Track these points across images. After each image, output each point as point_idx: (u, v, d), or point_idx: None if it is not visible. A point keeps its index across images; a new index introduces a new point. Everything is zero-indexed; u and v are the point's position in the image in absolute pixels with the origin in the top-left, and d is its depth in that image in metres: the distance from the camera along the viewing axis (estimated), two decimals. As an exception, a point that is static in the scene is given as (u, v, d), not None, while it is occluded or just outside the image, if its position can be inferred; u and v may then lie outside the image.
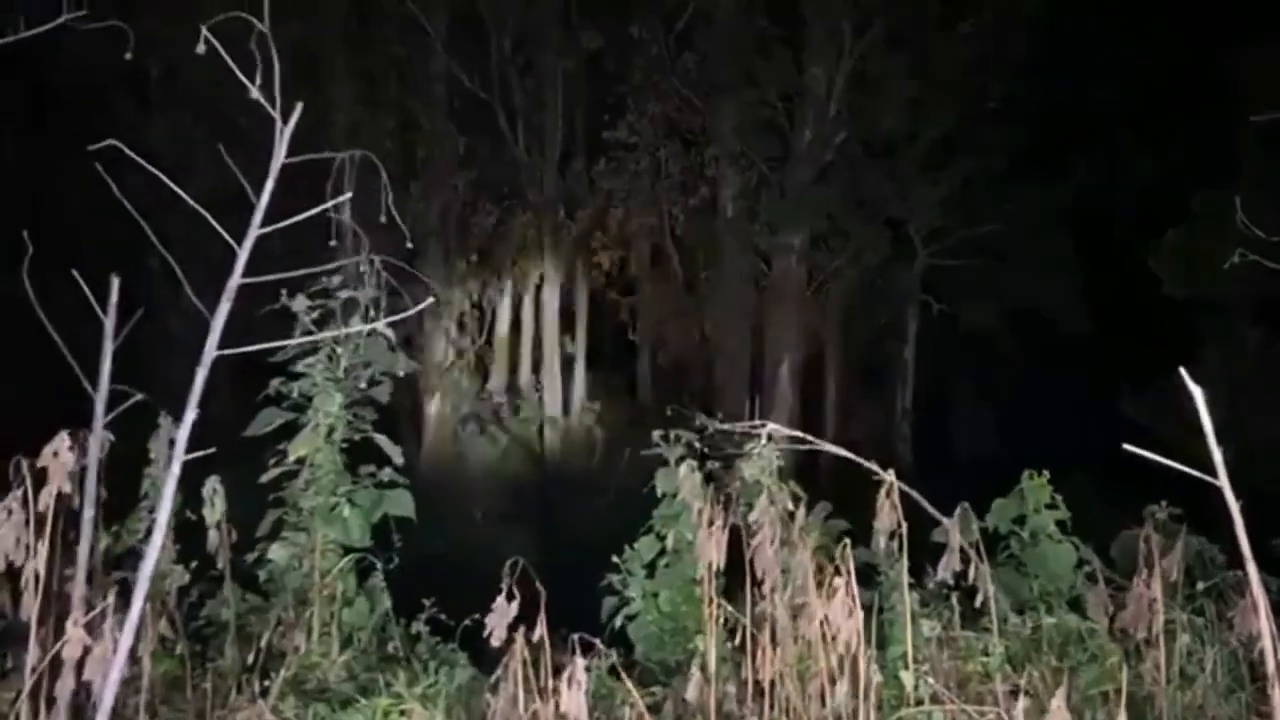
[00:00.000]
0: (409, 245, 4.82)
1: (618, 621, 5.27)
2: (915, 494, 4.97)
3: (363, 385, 4.60)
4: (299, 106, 3.40)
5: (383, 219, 4.20)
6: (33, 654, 3.13)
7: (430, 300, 3.89)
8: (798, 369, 19.19)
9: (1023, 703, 4.13)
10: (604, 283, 21.35)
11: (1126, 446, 3.80)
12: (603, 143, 19.88)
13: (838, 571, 3.79)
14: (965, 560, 4.68)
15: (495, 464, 17.17)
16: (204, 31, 3.17)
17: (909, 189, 18.86)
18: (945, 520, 4.95)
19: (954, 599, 4.80)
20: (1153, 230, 17.11)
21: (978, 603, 4.59)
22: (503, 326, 21.01)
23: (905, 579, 4.35)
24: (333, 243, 4.89)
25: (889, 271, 20.28)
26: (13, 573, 3.40)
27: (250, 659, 4.33)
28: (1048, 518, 5.49)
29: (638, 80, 19.41)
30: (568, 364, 20.75)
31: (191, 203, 3.50)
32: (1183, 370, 3.58)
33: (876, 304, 20.93)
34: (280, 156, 3.25)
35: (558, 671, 3.38)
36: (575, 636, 3.48)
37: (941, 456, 18.97)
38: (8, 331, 5.13)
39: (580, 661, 3.20)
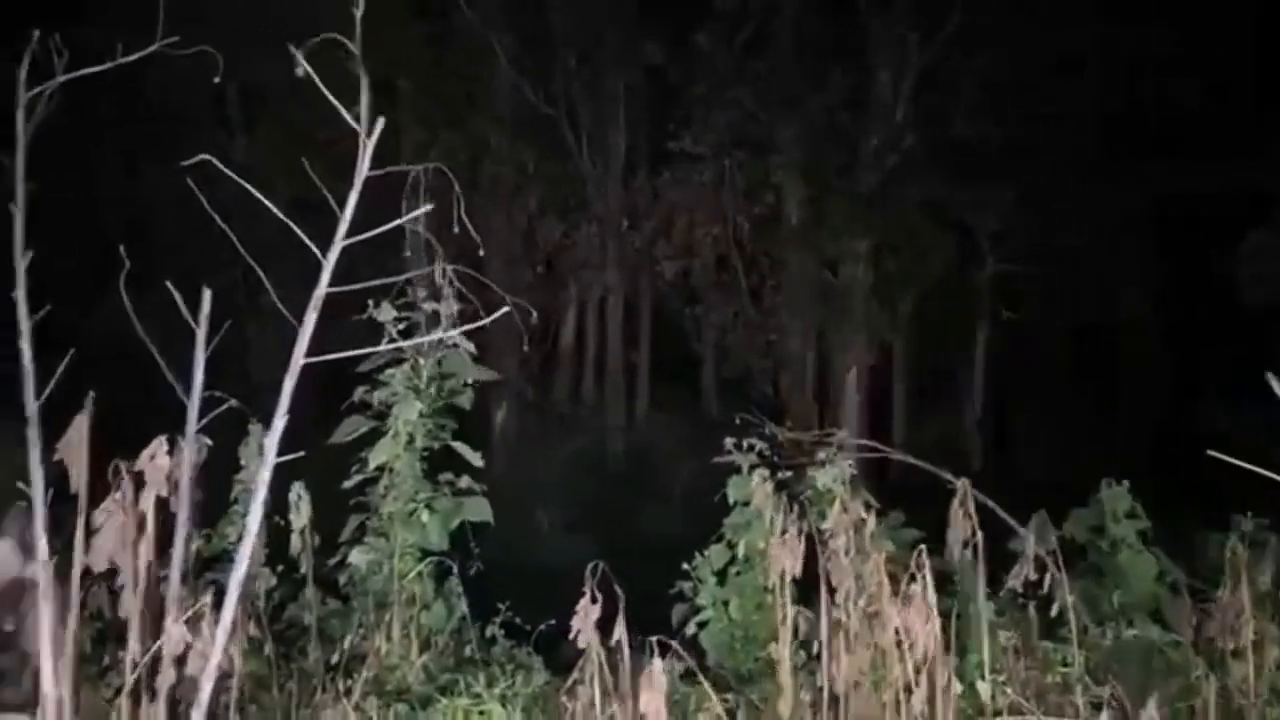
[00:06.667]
0: (480, 254, 4.91)
1: (689, 629, 5.29)
2: (990, 502, 4.92)
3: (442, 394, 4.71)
4: (381, 121, 3.50)
5: (455, 229, 4.30)
6: (133, 650, 3.26)
7: (506, 309, 3.97)
8: (865, 378, 19.00)
9: (1105, 715, 4.07)
10: (668, 293, 21.38)
11: (1211, 453, 3.72)
12: (667, 153, 19.96)
13: (912, 578, 3.77)
14: (1042, 569, 4.62)
15: (561, 473, 17.28)
16: (299, 56, 3.29)
17: (977, 194, 18.59)
18: (1021, 529, 4.90)
19: (1031, 609, 4.74)
20: (1229, 234, 16.64)
21: (1054, 612, 4.53)
22: (567, 337, 21.16)
23: (982, 587, 4.31)
24: (407, 254, 5.01)
25: (957, 278, 20.00)
26: (109, 573, 3.54)
27: (333, 660, 4.44)
28: (1128, 527, 5.39)
29: (701, 91, 19.45)
30: (631, 374, 20.82)
31: (278, 213, 3.63)
32: (1270, 376, 3.50)
33: (945, 311, 20.65)
34: (364, 169, 3.36)
35: (634, 675, 3.42)
36: (653, 639, 3.51)
37: (1014, 466, 18.62)
38: (106, 342, 5.33)
39: (659, 663, 3.23)
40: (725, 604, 5.25)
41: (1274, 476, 3.53)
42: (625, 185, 20.28)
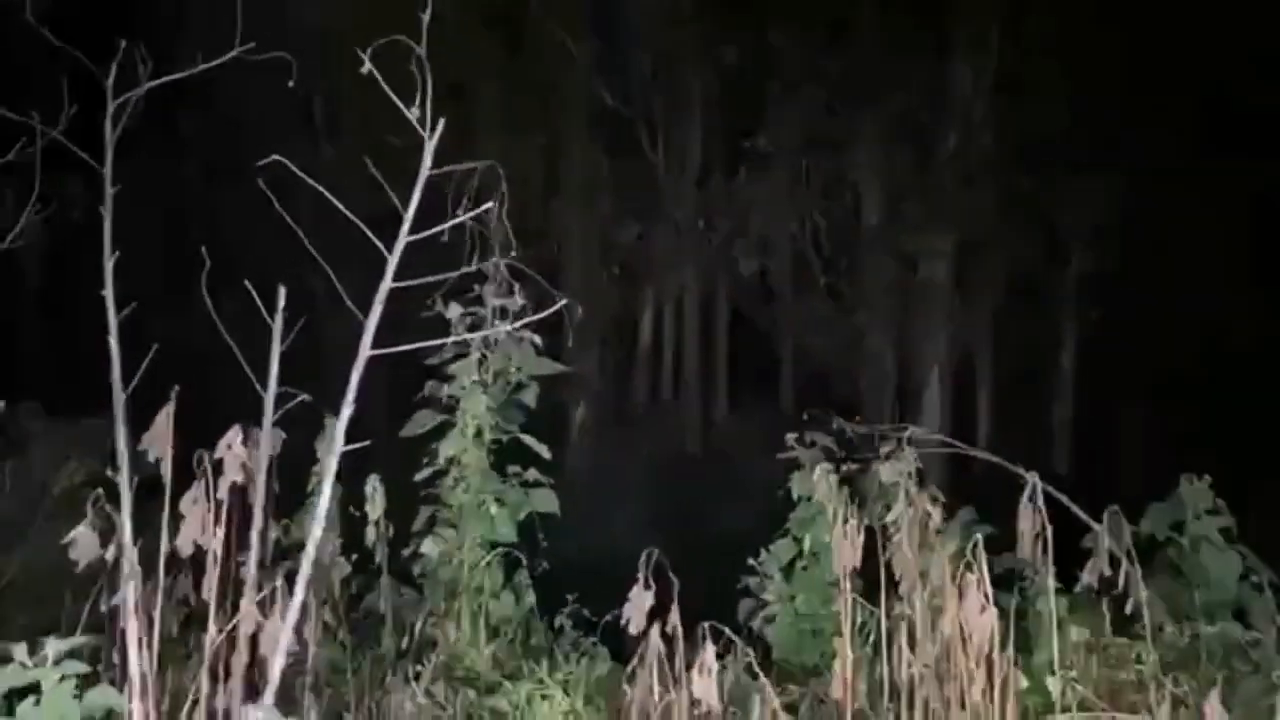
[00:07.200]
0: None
1: (755, 623, 5.31)
2: (1063, 498, 4.83)
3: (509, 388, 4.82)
4: (441, 122, 3.60)
5: (501, 226, 4.37)
6: (212, 629, 3.42)
7: (564, 302, 4.05)
8: (947, 377, 18.67)
9: (1180, 714, 3.97)
10: (745, 292, 21.32)
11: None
12: (742, 152, 19.91)
13: (969, 568, 3.74)
14: (1116, 565, 4.52)
15: (638, 471, 17.38)
16: (365, 56, 3.41)
17: (1061, 190, 18.12)
18: (1095, 525, 4.80)
19: (1104, 605, 4.64)
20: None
21: (1129, 609, 4.43)
22: (645, 337, 21.27)
23: (1050, 582, 4.24)
24: (473, 256, 5.08)
25: (1044, 276, 19.50)
26: (194, 559, 3.71)
27: (404, 646, 4.59)
28: (1210, 523, 5.24)
29: (777, 90, 19.36)
30: (709, 373, 20.83)
31: (348, 214, 3.76)
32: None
33: (1032, 310, 20.15)
34: (426, 167, 3.46)
35: (691, 663, 3.46)
36: (705, 625, 3.54)
37: (1104, 466, 18.08)
38: (187, 340, 5.57)
39: (711, 649, 3.26)
40: (791, 598, 5.27)
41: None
42: (701, 184, 20.30)
